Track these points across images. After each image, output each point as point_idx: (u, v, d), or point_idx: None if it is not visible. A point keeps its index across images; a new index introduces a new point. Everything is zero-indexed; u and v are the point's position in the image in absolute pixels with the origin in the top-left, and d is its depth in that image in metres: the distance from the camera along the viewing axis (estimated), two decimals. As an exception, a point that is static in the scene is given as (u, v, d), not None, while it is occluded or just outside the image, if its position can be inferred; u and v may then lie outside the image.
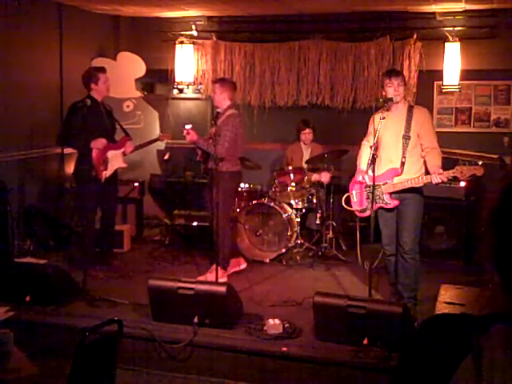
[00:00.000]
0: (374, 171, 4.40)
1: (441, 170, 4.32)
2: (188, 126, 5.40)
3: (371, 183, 4.47)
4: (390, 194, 4.55)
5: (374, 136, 4.48)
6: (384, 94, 4.61)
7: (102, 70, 5.65)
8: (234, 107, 5.66)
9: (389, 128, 4.57)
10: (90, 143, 5.40)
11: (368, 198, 4.60)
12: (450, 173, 4.29)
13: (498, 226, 1.17)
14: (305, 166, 6.50)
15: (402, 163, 4.51)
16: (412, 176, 4.49)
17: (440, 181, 4.33)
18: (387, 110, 4.57)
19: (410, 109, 4.59)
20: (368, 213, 4.63)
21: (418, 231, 4.65)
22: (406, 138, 4.50)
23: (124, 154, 5.73)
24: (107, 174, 5.50)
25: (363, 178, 4.66)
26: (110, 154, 5.56)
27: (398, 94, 4.53)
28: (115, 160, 5.64)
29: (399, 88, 4.53)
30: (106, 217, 5.82)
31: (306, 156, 6.73)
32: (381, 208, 4.62)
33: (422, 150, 4.54)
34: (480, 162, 4.19)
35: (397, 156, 4.54)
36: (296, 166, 6.45)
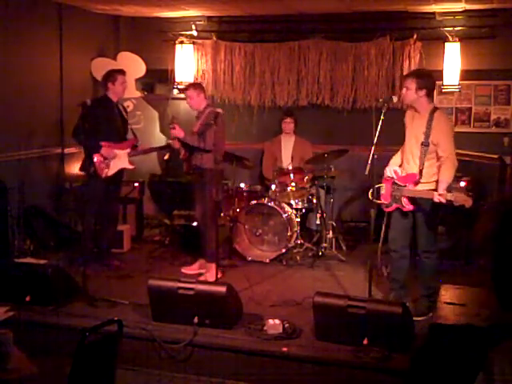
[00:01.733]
0: (372, 170, 4.43)
1: (441, 190, 4.32)
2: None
3: (398, 182, 4.62)
4: (408, 198, 4.57)
5: (375, 136, 4.51)
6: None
7: (121, 71, 5.82)
8: (212, 105, 5.78)
9: (413, 131, 4.63)
10: (98, 142, 5.49)
11: (391, 195, 4.67)
12: (448, 196, 4.26)
13: (495, 254, 1.19)
14: (306, 165, 6.50)
15: (420, 171, 4.54)
16: (428, 180, 4.52)
17: (438, 201, 4.32)
18: (415, 111, 4.65)
19: (432, 113, 4.56)
20: (391, 208, 4.71)
21: (433, 234, 4.69)
22: (425, 145, 4.51)
23: (128, 154, 5.76)
24: (109, 172, 5.54)
25: (390, 172, 4.69)
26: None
27: (404, 98, 4.67)
28: (119, 160, 5.67)
29: (406, 92, 4.59)
30: (106, 216, 5.83)
31: (285, 148, 6.85)
32: (397, 208, 4.68)
33: (438, 159, 4.52)
34: (470, 194, 4.32)
35: (416, 162, 4.57)
36: (296, 166, 6.46)
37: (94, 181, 5.55)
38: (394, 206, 4.68)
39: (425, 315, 4.54)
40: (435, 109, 4.61)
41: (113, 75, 5.72)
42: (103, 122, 5.57)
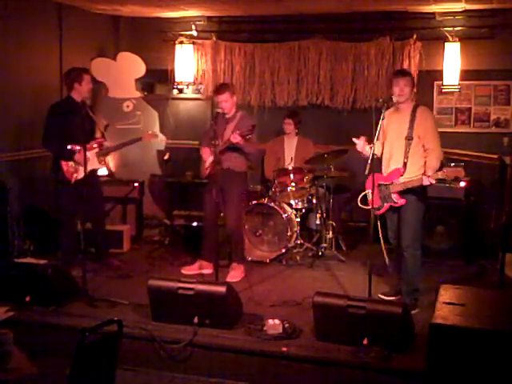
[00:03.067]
0: (372, 170, 4.48)
1: (430, 173, 4.48)
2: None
3: (383, 182, 4.75)
4: (398, 193, 4.67)
5: (375, 136, 4.54)
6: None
7: (87, 70, 5.67)
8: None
9: (395, 128, 4.75)
10: (66, 145, 5.36)
11: (380, 197, 4.78)
12: (439, 174, 4.45)
13: None
14: (305, 165, 6.50)
15: (405, 164, 4.67)
16: (412, 175, 4.61)
17: (429, 183, 4.48)
18: (396, 110, 4.80)
19: (414, 109, 4.72)
20: (382, 211, 4.83)
21: (418, 230, 4.78)
22: (409, 138, 4.65)
23: (97, 154, 5.66)
24: (78, 176, 5.43)
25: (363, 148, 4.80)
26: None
27: (402, 95, 4.70)
28: (88, 161, 5.53)
29: (405, 88, 4.70)
30: (92, 218, 5.74)
31: (288, 148, 6.84)
32: (390, 207, 4.78)
33: (425, 151, 4.66)
34: (462, 164, 4.53)
35: (401, 156, 4.69)
36: (296, 166, 6.46)
37: (64, 186, 5.46)
38: (386, 206, 4.78)
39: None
40: (417, 105, 4.78)
41: (80, 75, 5.48)
42: (70, 125, 5.33)
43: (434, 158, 4.59)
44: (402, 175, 4.66)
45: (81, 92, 5.53)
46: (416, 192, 4.66)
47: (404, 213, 4.71)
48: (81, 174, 5.41)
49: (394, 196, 4.69)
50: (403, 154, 4.66)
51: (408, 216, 4.71)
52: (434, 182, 4.47)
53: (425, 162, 4.64)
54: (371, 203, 4.77)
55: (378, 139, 4.65)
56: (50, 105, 5.60)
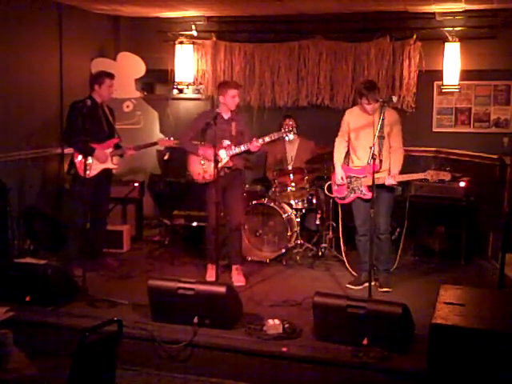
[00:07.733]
0: (373, 166, 4.63)
1: (396, 172, 5.00)
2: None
3: (354, 175, 5.17)
4: (368, 186, 5.02)
5: (375, 135, 4.67)
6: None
7: (111, 75, 5.72)
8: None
9: (366, 127, 5.05)
10: (87, 144, 5.37)
11: (348, 188, 5.22)
12: (421, 175, 4.91)
13: None
14: (305, 165, 6.50)
15: (380, 161, 4.99)
16: (387, 168, 5.05)
17: (391, 184, 4.99)
18: (361, 110, 5.14)
19: (381, 109, 4.95)
20: (347, 200, 5.27)
21: (390, 214, 5.26)
22: (382, 138, 4.93)
23: (110, 154, 5.72)
24: (91, 173, 5.47)
25: (342, 178, 5.22)
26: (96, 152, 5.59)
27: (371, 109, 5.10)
28: (105, 160, 5.65)
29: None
30: (94, 217, 5.73)
31: (290, 148, 6.81)
32: (358, 197, 5.19)
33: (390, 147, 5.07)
34: (447, 168, 4.91)
35: (367, 153, 4.87)
36: (296, 166, 6.45)
37: (77, 182, 5.51)
38: (353, 196, 5.20)
39: (391, 287, 5.17)
40: (383, 105, 5.01)
41: (101, 77, 5.64)
42: (87, 123, 5.29)
43: (400, 157, 5.04)
44: (378, 171, 4.90)
45: (100, 94, 5.66)
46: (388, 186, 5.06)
47: (380, 203, 5.02)
48: (93, 171, 5.56)
49: (365, 189, 5.11)
50: (377, 152, 4.86)
51: (385, 207, 5.14)
52: (396, 182, 5.00)
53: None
54: (335, 192, 5.32)
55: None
56: (72, 102, 5.64)
